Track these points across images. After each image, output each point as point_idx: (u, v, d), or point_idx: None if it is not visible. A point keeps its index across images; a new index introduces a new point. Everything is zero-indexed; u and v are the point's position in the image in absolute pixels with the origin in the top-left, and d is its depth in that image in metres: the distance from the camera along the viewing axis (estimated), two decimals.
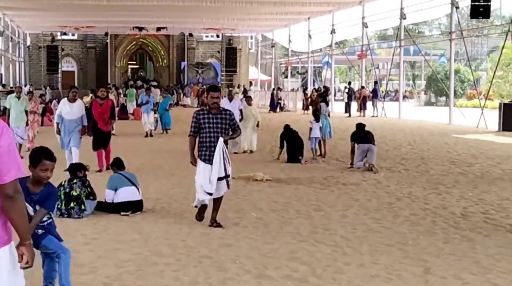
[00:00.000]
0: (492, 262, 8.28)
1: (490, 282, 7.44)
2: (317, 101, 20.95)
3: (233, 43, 65.86)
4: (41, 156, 6.07)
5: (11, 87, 25.70)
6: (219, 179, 9.77)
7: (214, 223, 10.03)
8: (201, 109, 10.29)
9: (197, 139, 10.08)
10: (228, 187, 10.11)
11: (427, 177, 15.84)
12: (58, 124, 15.62)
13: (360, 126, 17.90)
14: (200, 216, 10.22)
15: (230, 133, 10.14)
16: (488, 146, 23.28)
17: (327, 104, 22.01)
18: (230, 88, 24.03)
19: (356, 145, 17.28)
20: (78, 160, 14.25)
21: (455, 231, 10.11)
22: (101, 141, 15.85)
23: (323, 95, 25.08)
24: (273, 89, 53.41)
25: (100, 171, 15.45)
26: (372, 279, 7.55)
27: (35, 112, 21.23)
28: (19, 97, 18.96)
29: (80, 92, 21.61)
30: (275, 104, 48.83)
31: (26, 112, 19.00)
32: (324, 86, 46.93)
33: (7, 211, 4.08)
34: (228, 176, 9.96)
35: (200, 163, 9.89)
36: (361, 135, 17.47)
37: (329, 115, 20.59)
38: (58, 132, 15.55)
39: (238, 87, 54.62)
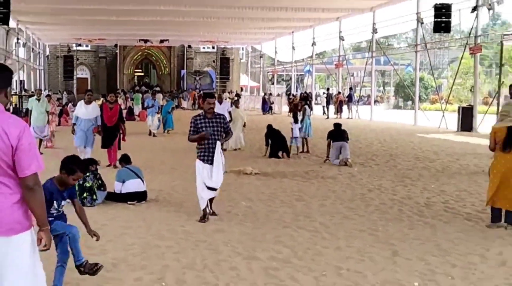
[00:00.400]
0: (451, 245, 8.31)
1: (450, 263, 7.46)
2: (301, 104, 21.10)
3: (227, 54, 65.82)
4: (78, 168, 6.09)
5: (32, 92, 25.66)
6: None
7: (213, 214, 9.99)
8: (198, 114, 10.02)
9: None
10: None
11: (395, 172, 15.88)
12: (74, 124, 15.45)
13: (337, 125, 18.08)
14: (203, 218, 9.71)
15: (224, 135, 9.98)
16: (448, 144, 23.34)
17: (310, 107, 22.23)
18: (219, 93, 24.16)
19: (332, 143, 17.39)
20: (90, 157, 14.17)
21: (419, 218, 10.14)
22: (109, 140, 15.78)
23: (306, 99, 25.09)
24: (265, 94, 53.52)
25: (109, 165, 15.38)
26: (347, 260, 7.57)
27: (53, 113, 21.10)
28: (39, 100, 18.93)
29: (93, 96, 21.61)
30: (267, 107, 49.04)
31: (47, 112, 18.97)
32: (306, 92, 46.90)
33: (28, 200, 4.12)
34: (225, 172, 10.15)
35: (199, 163, 9.77)
36: (337, 133, 17.60)
37: (309, 116, 20.64)
38: (73, 131, 15.35)
39: (231, 92, 54.57)
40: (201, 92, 60.03)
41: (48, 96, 24.24)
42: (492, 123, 9.95)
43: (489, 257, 7.74)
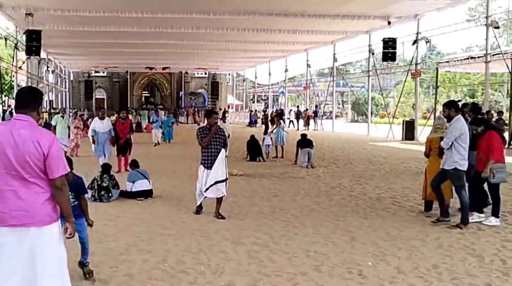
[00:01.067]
0: (398, 232, 8.33)
1: (396, 246, 7.47)
2: (277, 119, 21.44)
3: (216, 78, 65.84)
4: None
5: (58, 110, 25.86)
6: (221, 181, 9.16)
7: (219, 216, 9.27)
8: (203, 126, 9.64)
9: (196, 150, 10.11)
10: (225, 190, 9.42)
11: (352, 173, 15.90)
12: (93, 136, 15.36)
13: (303, 135, 18.43)
14: (197, 211, 9.63)
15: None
16: (395, 150, 23.44)
17: (284, 121, 22.54)
18: (207, 109, 24.57)
19: (300, 149, 17.63)
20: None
21: (372, 210, 10.16)
22: (121, 149, 15.66)
23: (280, 115, 25.17)
24: (251, 111, 53.87)
25: (119, 172, 14.85)
26: (314, 245, 7.55)
27: (78, 127, 20.96)
28: (63, 116, 18.86)
29: (108, 112, 21.62)
30: (253, 121, 49.42)
31: (69, 127, 18.88)
32: (280, 109, 46.96)
33: (56, 197, 4.18)
34: (227, 179, 9.43)
35: (200, 168, 9.32)
36: (304, 141, 17.84)
37: (283, 128, 20.73)
38: (94, 142, 15.34)
39: (220, 109, 54.54)
40: (196, 109, 60.33)
41: (75, 113, 25.06)
42: (428, 134, 10.04)
43: (429, 241, 7.76)
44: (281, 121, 21.40)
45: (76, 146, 20.29)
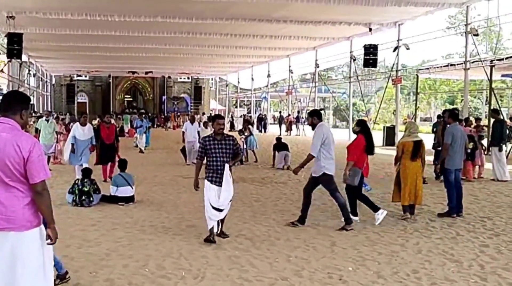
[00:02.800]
0: (378, 237, 8.38)
1: (376, 251, 7.51)
2: (245, 125, 21.79)
3: (199, 83, 65.64)
4: None
5: (41, 113, 23.47)
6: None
7: (222, 234, 8.26)
8: (208, 136, 8.24)
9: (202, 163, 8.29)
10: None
11: None
12: (73, 144, 13.90)
13: (279, 139, 19.24)
14: (211, 238, 7.91)
15: (232, 157, 8.12)
16: (375, 156, 23.41)
17: (252, 126, 23.18)
18: (192, 114, 23.58)
19: (277, 152, 18.37)
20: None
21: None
22: (107, 156, 14.56)
23: (248, 122, 24.96)
24: (232, 116, 54.32)
25: (105, 181, 13.93)
26: (295, 249, 7.57)
27: (61, 133, 19.90)
28: (48, 120, 17.56)
29: (91, 117, 21.20)
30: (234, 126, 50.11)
31: (56, 133, 17.74)
32: (264, 114, 47.14)
33: (37, 203, 4.13)
34: (232, 196, 8.15)
35: (207, 183, 7.98)
36: (279, 145, 18.57)
37: (252, 134, 21.11)
38: (73, 150, 13.84)
39: (203, 114, 54.46)
40: (178, 113, 60.21)
41: (56, 118, 23.29)
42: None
43: (408, 247, 7.81)
44: (250, 127, 21.82)
45: (60, 152, 18.87)
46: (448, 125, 10.73)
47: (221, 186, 7.88)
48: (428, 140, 18.94)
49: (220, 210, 7.92)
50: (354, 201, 9.62)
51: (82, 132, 14.11)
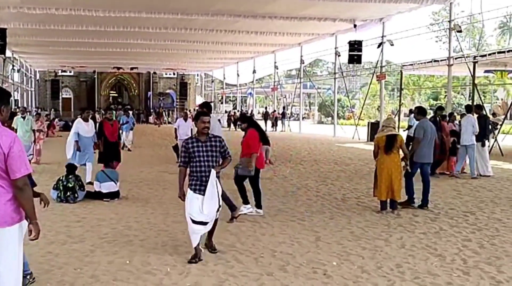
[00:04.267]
0: (362, 232, 8.41)
1: (361, 246, 7.54)
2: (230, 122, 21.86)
3: (185, 79, 65.45)
4: None
5: (18, 109, 20.63)
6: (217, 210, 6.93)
7: (210, 249, 7.16)
8: (190, 137, 7.06)
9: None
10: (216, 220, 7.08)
11: (318, 173, 15.99)
12: (77, 142, 12.87)
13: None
14: (195, 257, 6.76)
15: (221, 161, 7.03)
16: (360, 151, 23.65)
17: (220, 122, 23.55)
18: (185, 111, 22.93)
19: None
20: (91, 172, 12.78)
21: (337, 210, 10.22)
22: (111, 154, 13.59)
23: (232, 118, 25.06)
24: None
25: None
26: (280, 245, 7.57)
27: (40, 130, 18.20)
28: (24, 118, 15.86)
29: (75, 113, 20.69)
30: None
31: (33, 131, 15.98)
32: (247, 111, 47.07)
33: (18, 198, 4.08)
34: (220, 206, 6.99)
35: (189, 194, 6.80)
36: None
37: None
38: (79, 148, 12.81)
39: (190, 111, 54.33)
40: (164, 109, 60.00)
41: (37, 114, 21.67)
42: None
43: (392, 241, 7.85)
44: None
45: (38, 152, 17.47)
46: (418, 121, 11.13)
47: (204, 194, 6.72)
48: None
49: (205, 223, 6.83)
50: (244, 190, 9.95)
51: (86, 128, 13.19)
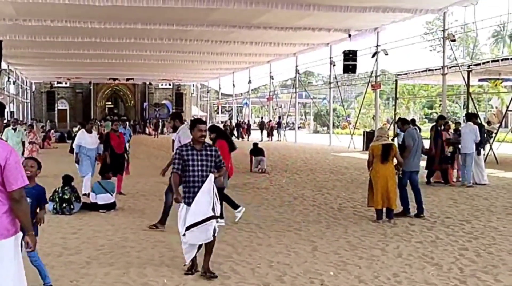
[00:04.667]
0: (359, 241, 8.39)
1: (357, 256, 7.52)
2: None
3: (180, 89, 65.50)
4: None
5: (9, 121, 19.49)
6: (206, 220, 6.26)
7: (207, 273, 6.44)
8: (185, 144, 6.81)
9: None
10: (215, 233, 6.47)
11: (314, 183, 15.98)
12: (77, 154, 12.73)
13: (255, 144, 20.10)
14: (192, 271, 6.61)
15: (215, 171, 6.62)
16: (356, 161, 23.64)
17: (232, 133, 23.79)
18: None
19: (253, 157, 19.19)
20: (90, 184, 12.33)
21: (333, 220, 10.21)
22: (118, 166, 13.21)
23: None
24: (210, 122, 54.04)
25: (120, 193, 12.84)
26: (277, 255, 7.55)
27: (34, 142, 17.88)
28: (15, 129, 15.74)
29: (71, 124, 20.48)
30: None
31: (23, 143, 15.77)
32: (239, 121, 47.18)
33: (14, 210, 4.04)
34: (217, 216, 6.51)
35: (182, 206, 6.47)
36: (256, 150, 19.41)
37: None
38: (78, 161, 12.72)
39: (185, 121, 54.33)
40: (160, 120, 59.97)
41: (30, 126, 20.97)
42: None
43: (389, 251, 7.84)
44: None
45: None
46: (402, 130, 11.59)
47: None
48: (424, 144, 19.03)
49: (196, 225, 6.25)
50: (228, 197, 10.10)
51: (90, 139, 12.97)
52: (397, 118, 18.33)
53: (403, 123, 11.57)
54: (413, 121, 21.12)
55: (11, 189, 3.97)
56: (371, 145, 10.31)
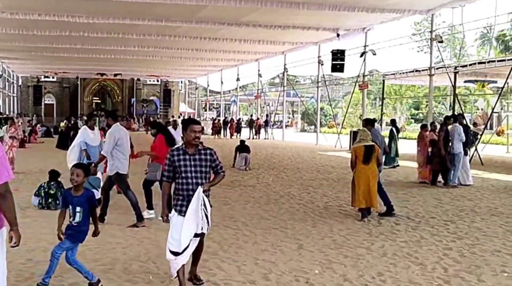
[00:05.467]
0: (344, 240, 8.43)
1: (342, 254, 7.55)
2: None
3: (168, 86, 65.33)
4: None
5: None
6: (196, 236, 5.79)
7: (195, 280, 6.16)
8: (177, 147, 6.05)
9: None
10: (202, 244, 6.16)
11: (301, 181, 16.01)
12: (85, 150, 11.77)
13: (242, 141, 20.31)
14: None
15: (212, 177, 6.05)
16: (342, 160, 23.68)
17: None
18: (175, 118, 22.14)
19: (238, 154, 19.38)
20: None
21: (319, 218, 10.24)
22: None
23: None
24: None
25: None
26: (262, 253, 7.56)
27: (14, 137, 16.68)
28: None
29: (58, 119, 20.18)
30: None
31: (1, 138, 14.63)
32: (227, 117, 47.02)
33: (0, 205, 3.99)
34: (203, 234, 5.93)
35: (173, 216, 5.82)
36: (242, 147, 19.62)
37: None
38: (89, 156, 11.63)
39: (173, 117, 54.19)
40: (147, 116, 59.74)
41: (10, 119, 19.81)
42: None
43: (374, 250, 7.88)
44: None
45: (11, 161, 15.34)
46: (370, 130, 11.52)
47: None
48: (410, 145, 19.20)
49: (177, 254, 5.71)
50: (150, 195, 10.26)
51: (92, 136, 12.13)
52: (383, 118, 18.43)
53: (367, 123, 11.87)
54: (393, 121, 22.08)
55: None
56: (353, 147, 10.60)
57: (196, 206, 5.62)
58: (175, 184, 5.88)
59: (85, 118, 40.86)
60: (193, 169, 5.76)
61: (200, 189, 5.66)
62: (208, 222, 5.81)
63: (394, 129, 20.97)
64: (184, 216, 5.65)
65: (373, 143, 10.37)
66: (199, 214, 5.64)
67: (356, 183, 10.18)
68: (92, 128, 12.33)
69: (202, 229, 5.76)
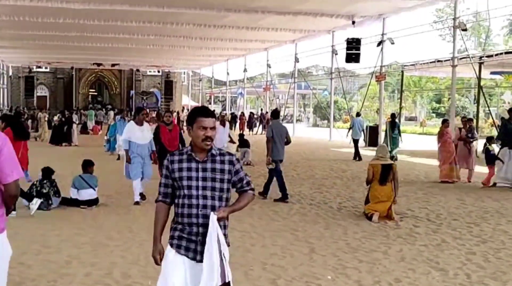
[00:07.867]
0: (359, 243, 8.43)
1: (357, 259, 7.55)
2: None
3: (170, 77, 65.31)
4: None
5: None
6: None
7: None
8: (179, 151, 4.16)
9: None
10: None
11: (313, 180, 16.02)
12: (127, 150, 11.11)
13: (241, 136, 21.30)
14: None
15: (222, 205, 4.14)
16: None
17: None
18: (222, 114, 22.00)
19: (238, 148, 20.03)
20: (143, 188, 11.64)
21: (332, 220, 10.25)
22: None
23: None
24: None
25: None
26: (271, 257, 7.58)
27: None
28: None
29: (51, 112, 20.18)
30: None
31: None
32: (232, 113, 46.96)
33: (7, 205, 3.98)
34: (229, 283, 3.94)
35: (170, 253, 4.19)
36: (241, 142, 20.43)
37: None
38: (129, 160, 11.12)
39: (173, 111, 54.26)
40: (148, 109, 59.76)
41: None
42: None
43: (391, 254, 7.87)
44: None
45: None
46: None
47: (198, 260, 4.02)
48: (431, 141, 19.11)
49: None
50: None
51: (141, 133, 11.16)
52: (401, 112, 18.48)
53: (271, 115, 13.58)
54: (393, 115, 22.64)
55: (6, 182, 3.85)
56: (370, 163, 10.68)
57: (211, 245, 3.89)
58: (174, 206, 4.25)
59: (80, 111, 41.11)
60: (200, 184, 4.03)
61: (213, 217, 3.94)
62: (224, 271, 3.92)
63: (389, 123, 21.96)
64: (184, 254, 4.10)
65: (392, 162, 10.52)
66: (217, 257, 3.90)
67: (370, 200, 10.48)
68: (140, 123, 11.26)
69: (225, 276, 3.93)
